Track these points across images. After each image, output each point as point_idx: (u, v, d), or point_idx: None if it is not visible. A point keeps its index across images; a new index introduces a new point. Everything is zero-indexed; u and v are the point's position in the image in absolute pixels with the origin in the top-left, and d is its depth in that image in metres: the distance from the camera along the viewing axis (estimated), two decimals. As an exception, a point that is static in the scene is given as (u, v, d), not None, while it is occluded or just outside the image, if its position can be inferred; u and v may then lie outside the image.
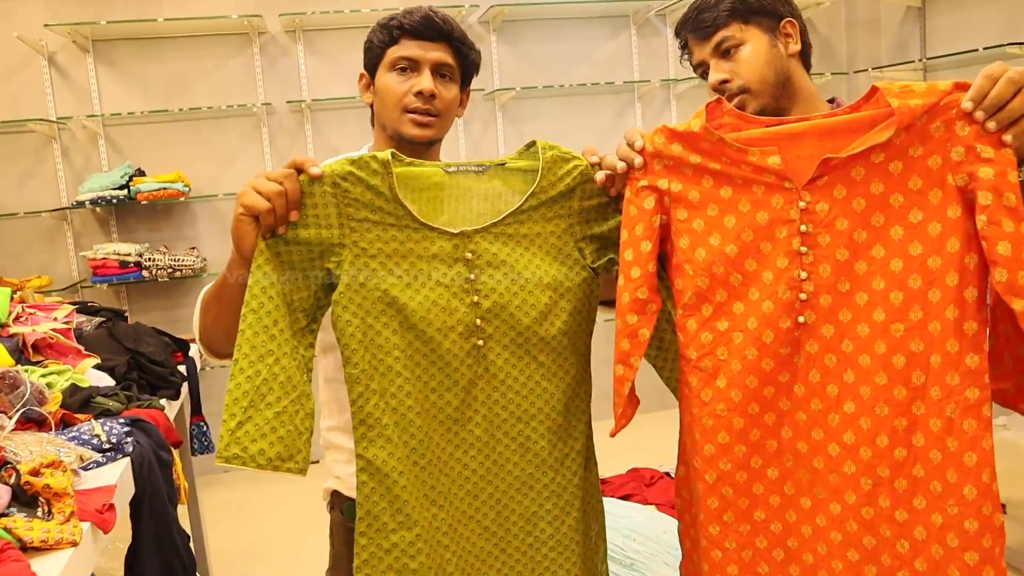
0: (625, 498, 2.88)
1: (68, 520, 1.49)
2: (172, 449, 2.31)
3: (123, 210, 4.19)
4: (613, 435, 1.25)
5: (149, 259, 4.00)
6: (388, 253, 1.23)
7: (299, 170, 1.20)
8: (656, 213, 1.20)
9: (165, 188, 3.97)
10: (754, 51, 1.46)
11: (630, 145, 1.22)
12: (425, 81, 1.43)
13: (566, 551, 1.30)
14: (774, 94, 1.46)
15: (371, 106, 1.54)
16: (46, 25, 3.88)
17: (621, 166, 1.22)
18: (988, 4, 3.98)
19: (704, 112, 1.20)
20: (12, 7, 4.02)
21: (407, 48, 1.44)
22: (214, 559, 2.98)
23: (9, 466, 1.50)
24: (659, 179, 1.20)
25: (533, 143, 1.30)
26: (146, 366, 2.47)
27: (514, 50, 4.54)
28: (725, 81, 1.47)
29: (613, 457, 3.09)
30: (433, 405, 1.25)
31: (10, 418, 1.70)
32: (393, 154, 1.25)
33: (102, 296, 4.18)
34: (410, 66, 1.44)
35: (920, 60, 4.17)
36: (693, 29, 1.50)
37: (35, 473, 1.49)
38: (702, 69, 1.53)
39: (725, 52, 1.48)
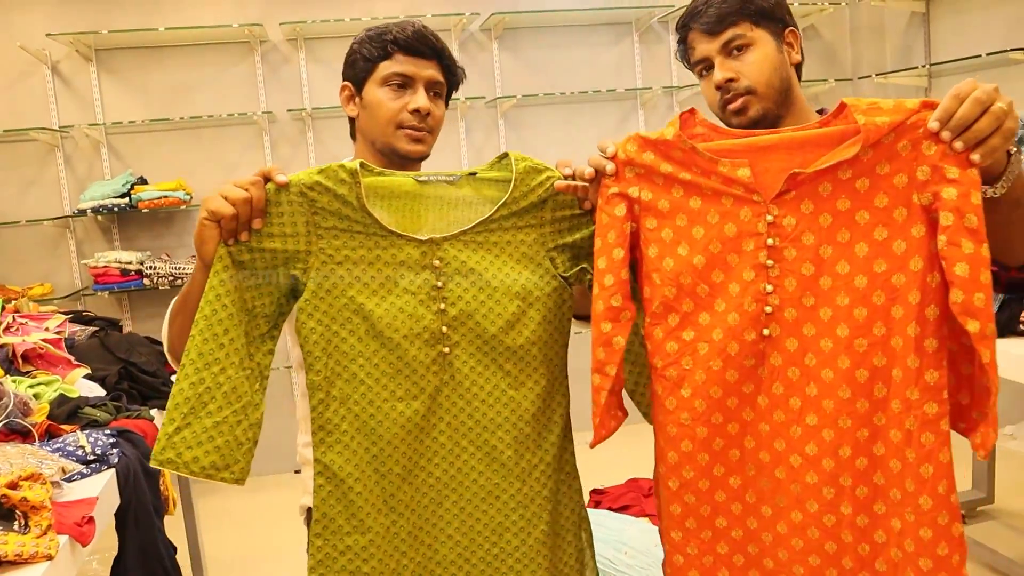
0: (623, 509, 2.86)
1: (45, 533, 1.48)
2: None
3: (125, 218, 4.20)
4: (592, 446, 1.27)
5: (150, 267, 4.00)
6: (355, 260, 1.24)
7: (267, 179, 1.21)
8: (627, 220, 1.21)
9: (166, 196, 3.97)
10: (764, 54, 1.43)
11: (602, 152, 1.22)
12: (421, 99, 1.43)
13: (532, 563, 1.30)
14: (777, 100, 1.44)
15: (352, 118, 1.53)
16: (48, 35, 3.90)
17: (589, 171, 1.23)
18: (992, 8, 3.95)
19: (678, 121, 1.21)
20: (15, 17, 4.04)
21: (401, 64, 1.44)
22: (210, 567, 2.97)
23: (-14, 479, 1.49)
24: (630, 187, 1.21)
25: (506, 155, 1.30)
26: (137, 376, 2.47)
27: (516, 57, 4.52)
28: (731, 80, 1.44)
29: (612, 468, 3.06)
30: (400, 414, 1.25)
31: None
32: (362, 164, 1.26)
33: (104, 304, 4.20)
34: (404, 82, 1.44)
35: (924, 66, 4.14)
36: (701, 23, 1.46)
37: (13, 486, 1.48)
38: (703, 66, 1.49)
39: (734, 50, 1.44)
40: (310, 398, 1.25)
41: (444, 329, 1.25)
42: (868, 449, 1.14)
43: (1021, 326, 2.37)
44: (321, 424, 1.26)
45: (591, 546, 1.40)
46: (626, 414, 1.29)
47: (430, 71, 1.44)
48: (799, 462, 1.17)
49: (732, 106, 1.44)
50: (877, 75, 4.26)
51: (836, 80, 4.53)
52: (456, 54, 4.33)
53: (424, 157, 1.48)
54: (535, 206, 1.28)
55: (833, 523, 1.16)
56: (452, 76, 1.49)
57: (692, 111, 1.26)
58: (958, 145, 1.05)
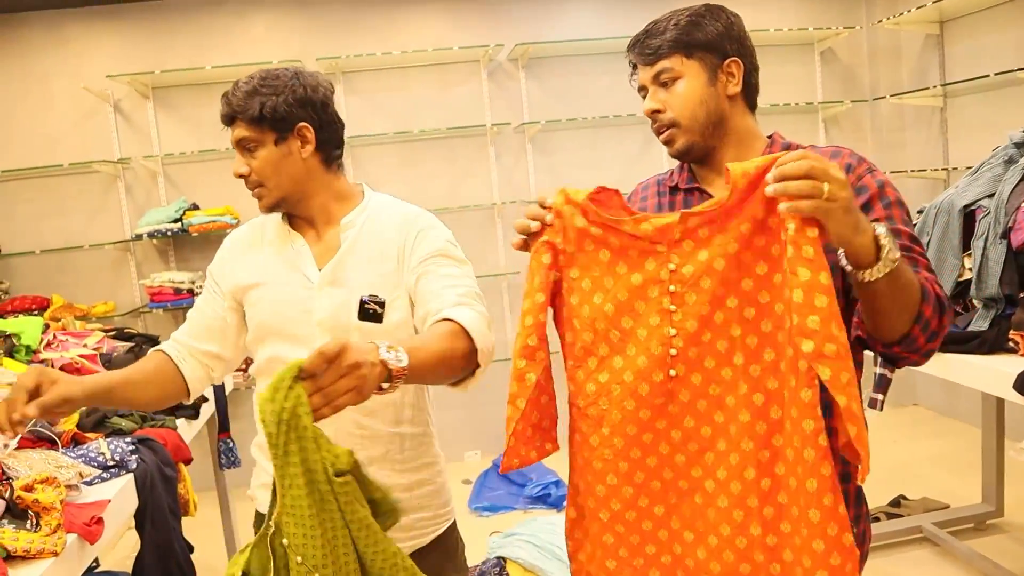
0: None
1: (54, 532, 1.64)
2: (182, 465, 2.55)
3: (180, 241, 4.55)
4: (502, 472, 1.38)
5: (200, 286, 4.33)
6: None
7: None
8: (552, 268, 1.28)
9: (214, 221, 4.29)
10: (689, 87, 1.43)
11: (541, 204, 1.30)
12: (235, 165, 1.57)
13: None
14: (703, 132, 1.44)
15: None
16: (108, 76, 4.27)
17: (535, 225, 1.29)
18: (1004, 30, 3.95)
19: (588, 191, 1.28)
20: (80, 62, 4.44)
21: (231, 132, 1.57)
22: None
23: (6, 481, 1.68)
24: (557, 237, 1.29)
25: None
26: (165, 389, 2.72)
27: (541, 85, 4.70)
28: (657, 111, 1.46)
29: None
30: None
31: (11, 438, 1.91)
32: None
33: (160, 320, 4.54)
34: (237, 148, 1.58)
35: (937, 86, 4.14)
36: (638, 53, 1.48)
37: (28, 488, 1.65)
38: (644, 93, 1.51)
39: (663, 83, 1.45)
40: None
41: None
42: (771, 470, 1.19)
43: (1010, 343, 2.37)
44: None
45: None
46: (556, 447, 1.35)
47: (236, 133, 1.55)
48: (712, 487, 1.23)
49: (660, 137, 1.47)
50: (892, 95, 4.28)
51: (853, 101, 4.56)
52: (484, 83, 4.58)
53: (272, 209, 1.60)
54: None
55: (745, 545, 1.21)
56: (259, 121, 1.53)
57: (605, 189, 1.32)
58: (768, 190, 1.11)
